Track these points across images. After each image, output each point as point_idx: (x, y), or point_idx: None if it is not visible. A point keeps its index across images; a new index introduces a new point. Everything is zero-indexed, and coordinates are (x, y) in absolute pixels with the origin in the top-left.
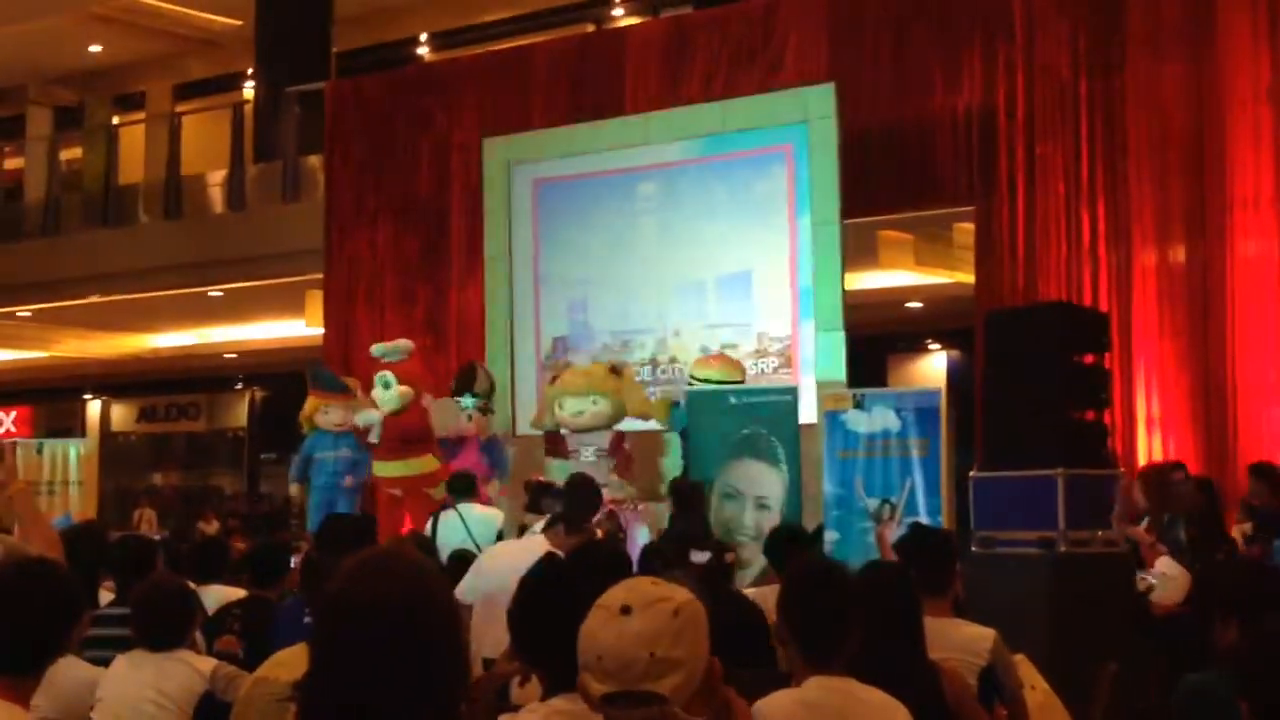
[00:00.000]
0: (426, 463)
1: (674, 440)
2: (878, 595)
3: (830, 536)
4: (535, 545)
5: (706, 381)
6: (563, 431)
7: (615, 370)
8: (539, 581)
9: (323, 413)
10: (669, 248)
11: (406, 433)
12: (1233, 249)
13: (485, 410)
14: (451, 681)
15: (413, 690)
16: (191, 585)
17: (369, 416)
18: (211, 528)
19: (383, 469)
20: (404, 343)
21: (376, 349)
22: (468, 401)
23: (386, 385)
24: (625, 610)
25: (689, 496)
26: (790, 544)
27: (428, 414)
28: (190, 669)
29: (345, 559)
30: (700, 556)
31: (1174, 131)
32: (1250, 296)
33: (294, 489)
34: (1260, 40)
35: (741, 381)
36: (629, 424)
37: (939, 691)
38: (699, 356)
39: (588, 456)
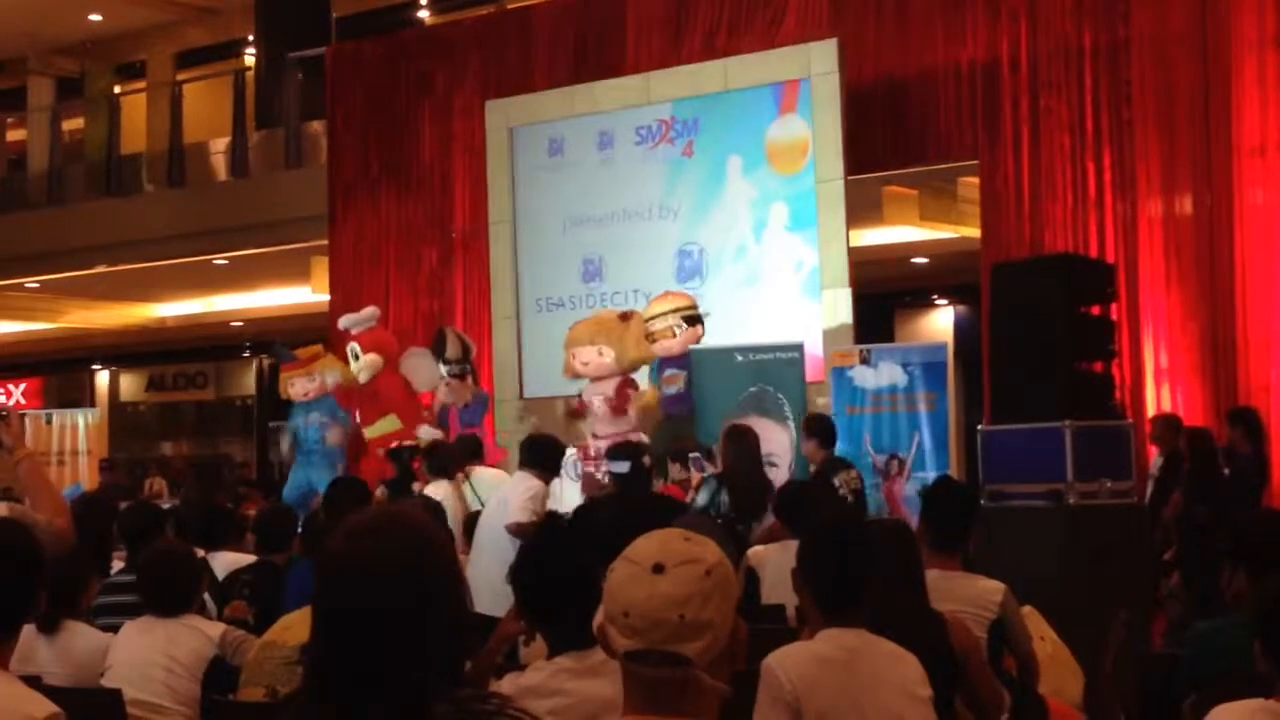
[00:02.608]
0: (390, 424)
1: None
2: (878, 550)
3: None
4: None
5: (658, 316)
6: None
7: (624, 317)
8: (542, 542)
9: (290, 385)
10: (671, 208)
11: (383, 396)
12: (1240, 197)
13: (460, 375)
14: (454, 641)
15: (415, 650)
16: (201, 552)
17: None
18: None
19: (369, 431)
20: (370, 310)
21: (344, 321)
22: (440, 370)
23: (355, 356)
24: (657, 569)
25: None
26: (797, 500)
27: (396, 379)
28: (199, 634)
29: (345, 520)
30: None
31: (1179, 80)
32: (1258, 245)
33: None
34: None
35: (693, 307)
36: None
37: (946, 643)
38: (653, 299)
39: (596, 406)
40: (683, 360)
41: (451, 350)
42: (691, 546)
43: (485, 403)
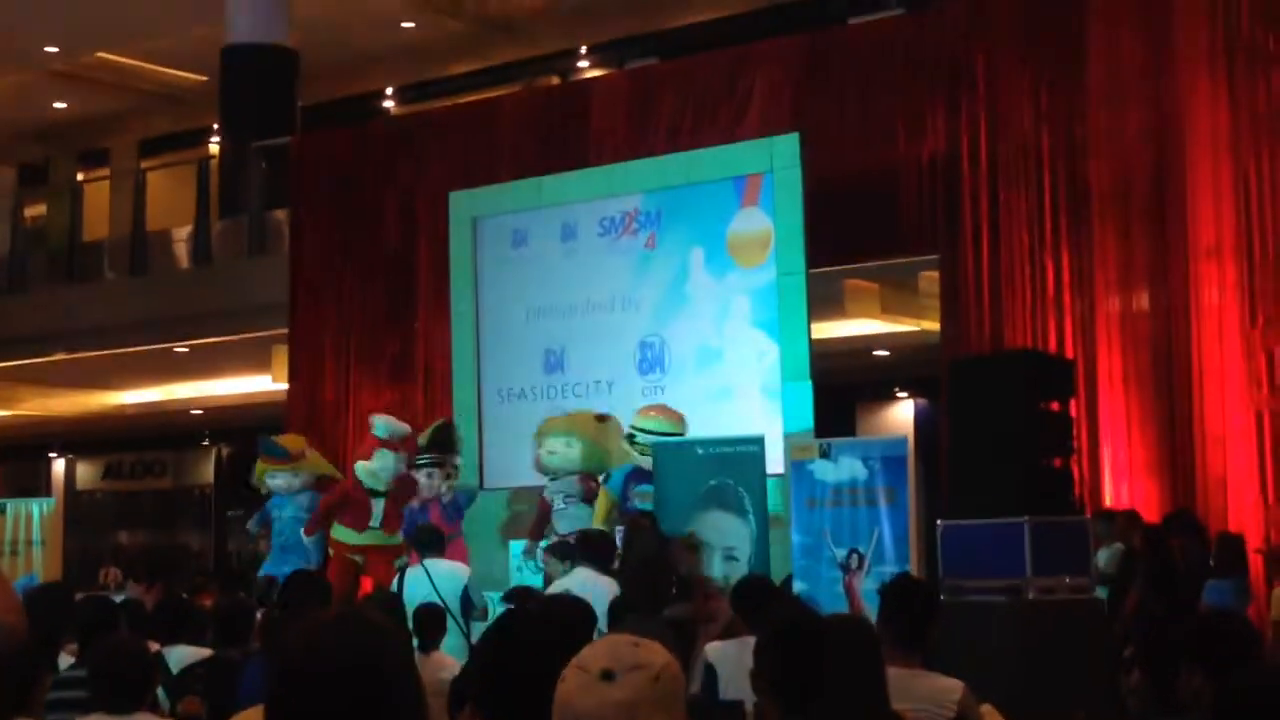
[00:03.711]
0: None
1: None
2: (838, 647)
3: (798, 587)
4: None
5: (646, 432)
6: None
7: (601, 418)
8: (500, 635)
9: (270, 476)
10: (634, 300)
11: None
12: (1196, 296)
13: (448, 476)
14: None
15: None
16: (156, 646)
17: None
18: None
19: (348, 535)
20: (406, 429)
21: (382, 427)
22: (423, 458)
23: (392, 456)
24: (606, 675)
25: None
26: (756, 595)
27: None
28: None
29: (301, 620)
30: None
31: (1135, 180)
32: (1213, 343)
33: (260, 542)
34: (1219, 89)
35: (682, 434)
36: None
37: None
38: (641, 407)
39: (557, 504)
40: (650, 477)
41: (456, 441)
42: (640, 652)
43: (472, 495)
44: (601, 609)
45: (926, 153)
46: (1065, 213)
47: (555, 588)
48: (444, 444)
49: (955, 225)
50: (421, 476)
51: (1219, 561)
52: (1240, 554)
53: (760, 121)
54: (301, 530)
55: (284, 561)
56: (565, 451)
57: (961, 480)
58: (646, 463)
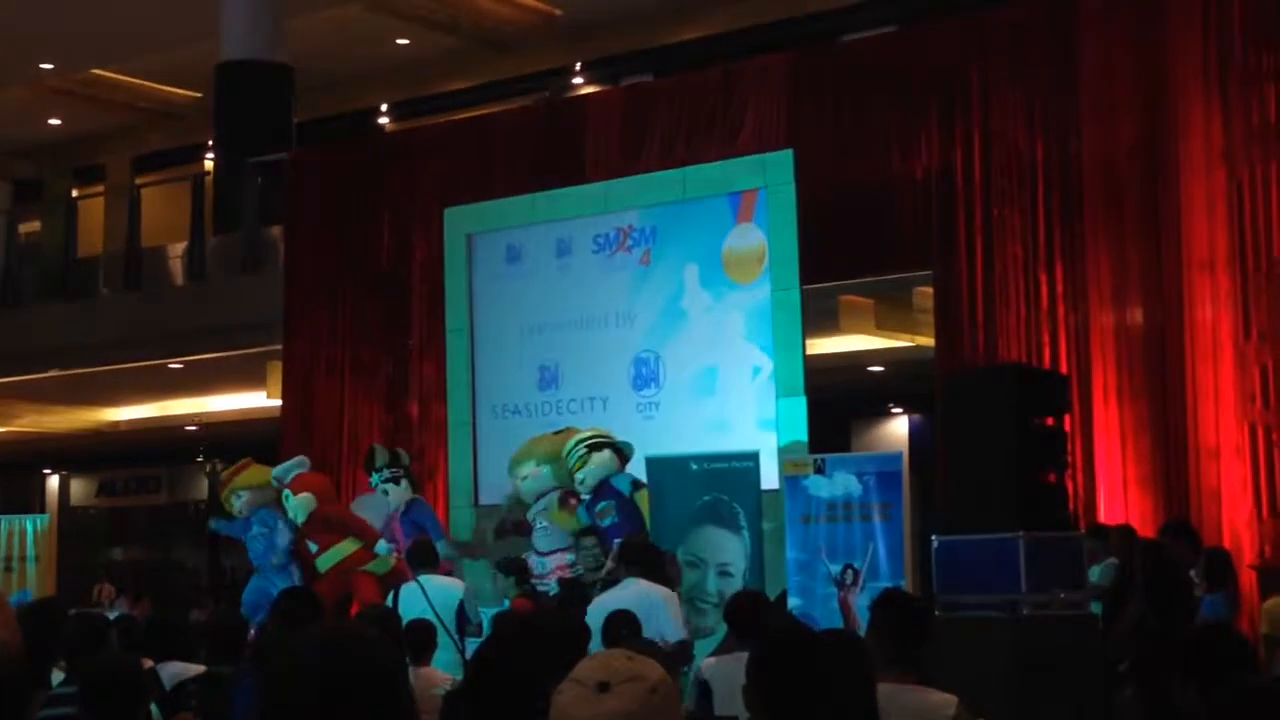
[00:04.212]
0: (346, 546)
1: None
2: (829, 662)
3: (793, 603)
4: None
5: (581, 444)
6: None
7: (557, 434)
8: (491, 653)
9: (229, 505)
10: (628, 316)
11: (327, 527)
12: (1190, 310)
13: (396, 480)
14: None
15: None
16: (149, 662)
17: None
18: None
19: (322, 562)
20: (297, 458)
21: (275, 471)
22: (374, 480)
23: (288, 500)
24: (602, 687)
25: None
26: (749, 610)
27: (341, 505)
28: None
29: (293, 636)
30: None
31: (1129, 195)
32: (1207, 357)
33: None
34: (1213, 103)
35: (598, 435)
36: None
37: None
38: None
39: (538, 524)
40: (607, 490)
41: (380, 459)
42: (635, 665)
43: (426, 508)
44: (664, 617)
45: (920, 168)
46: (1059, 227)
47: (606, 600)
48: (397, 457)
49: (949, 240)
50: (388, 504)
51: (1208, 577)
52: (1228, 568)
53: (755, 138)
54: (266, 548)
55: (263, 576)
56: (536, 472)
57: (956, 496)
58: (579, 482)
